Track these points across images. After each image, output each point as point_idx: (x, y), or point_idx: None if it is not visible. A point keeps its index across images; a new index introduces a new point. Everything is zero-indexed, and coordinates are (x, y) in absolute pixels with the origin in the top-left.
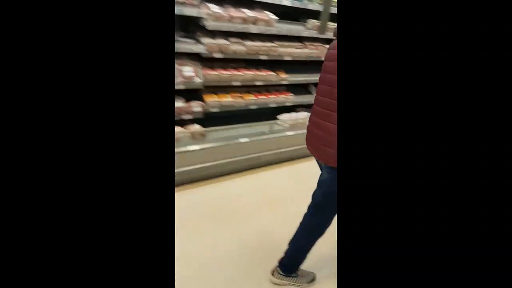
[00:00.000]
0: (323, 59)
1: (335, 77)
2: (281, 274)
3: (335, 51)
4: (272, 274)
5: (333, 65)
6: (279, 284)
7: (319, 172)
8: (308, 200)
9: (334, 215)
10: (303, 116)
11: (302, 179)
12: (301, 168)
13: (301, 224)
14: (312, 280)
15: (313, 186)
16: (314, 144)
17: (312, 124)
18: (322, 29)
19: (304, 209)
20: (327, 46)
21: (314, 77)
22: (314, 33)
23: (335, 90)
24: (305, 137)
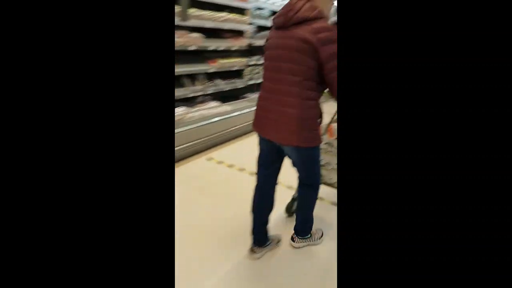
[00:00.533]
0: (191, 48)
1: (287, 61)
2: (300, 239)
3: (287, 40)
4: (293, 241)
5: (284, 53)
6: (301, 247)
7: (214, 171)
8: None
9: (320, 175)
10: (181, 111)
11: (194, 181)
12: (190, 169)
13: (299, 197)
14: (322, 235)
15: (210, 186)
16: (272, 129)
17: (266, 111)
18: (184, 16)
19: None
20: (193, 34)
21: (186, 68)
22: (177, 21)
23: (289, 77)
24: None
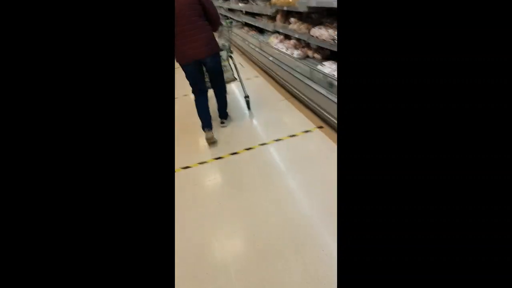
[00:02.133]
0: None
1: (190, 12)
2: (225, 121)
3: (183, 2)
4: (223, 123)
5: (188, 10)
6: (227, 125)
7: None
8: None
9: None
10: None
11: None
12: None
13: (219, 96)
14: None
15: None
16: (198, 50)
17: (189, 46)
18: None
19: None
20: None
21: None
22: None
23: (198, 19)
24: None
